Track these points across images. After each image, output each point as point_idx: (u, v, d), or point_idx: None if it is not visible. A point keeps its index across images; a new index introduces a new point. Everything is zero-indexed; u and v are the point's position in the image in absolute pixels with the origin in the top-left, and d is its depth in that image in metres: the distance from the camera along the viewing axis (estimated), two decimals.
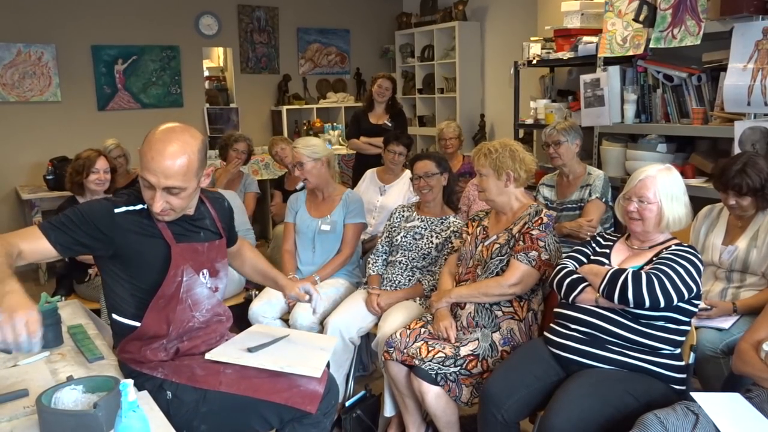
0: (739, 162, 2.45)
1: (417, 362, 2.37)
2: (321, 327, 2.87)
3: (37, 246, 1.68)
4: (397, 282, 2.96)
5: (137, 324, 1.82)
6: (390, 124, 4.74)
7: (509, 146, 2.55)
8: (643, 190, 2.14)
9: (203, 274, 1.92)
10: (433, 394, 2.33)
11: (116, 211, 1.78)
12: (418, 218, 3.04)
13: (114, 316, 1.88)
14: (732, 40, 3.09)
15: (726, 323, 2.36)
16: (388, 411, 2.71)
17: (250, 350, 1.94)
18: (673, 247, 2.11)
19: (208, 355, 1.88)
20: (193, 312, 1.91)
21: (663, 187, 2.12)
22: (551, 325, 2.25)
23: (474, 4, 6.15)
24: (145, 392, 1.69)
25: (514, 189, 2.56)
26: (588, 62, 4.02)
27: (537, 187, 3.57)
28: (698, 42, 3.27)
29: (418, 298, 2.90)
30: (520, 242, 2.44)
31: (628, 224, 2.22)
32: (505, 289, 2.41)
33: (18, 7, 5.39)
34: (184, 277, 1.85)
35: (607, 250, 2.26)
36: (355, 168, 5.01)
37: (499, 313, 2.46)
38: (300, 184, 4.04)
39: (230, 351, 1.93)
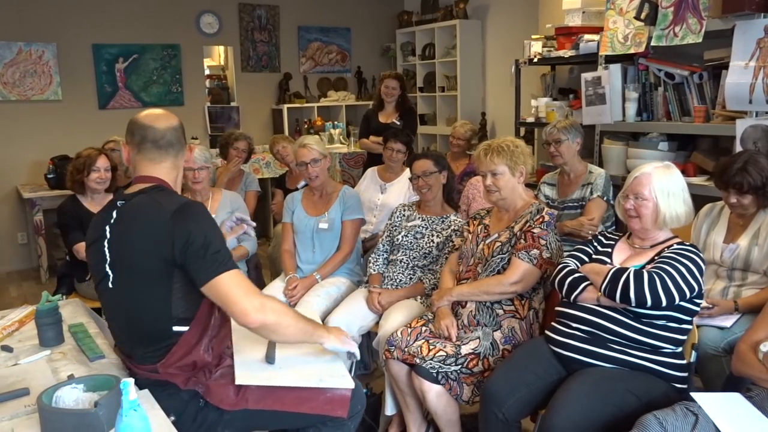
0: (740, 160, 2.45)
1: (418, 361, 2.37)
2: None
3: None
4: (398, 281, 2.96)
5: (186, 328, 1.77)
6: (399, 123, 4.72)
7: (515, 142, 2.55)
8: (639, 187, 2.14)
9: None
10: (434, 393, 2.33)
11: None
12: (419, 217, 3.04)
13: (175, 328, 1.78)
14: (734, 38, 3.08)
15: (728, 322, 2.35)
16: (389, 410, 2.71)
17: (269, 362, 1.93)
18: (675, 246, 2.11)
19: (238, 381, 1.84)
20: (219, 312, 1.90)
21: (658, 184, 2.12)
22: (552, 323, 2.24)
23: (475, 3, 6.14)
24: (146, 391, 1.69)
25: (520, 186, 2.56)
26: (589, 60, 4.02)
27: (538, 185, 3.57)
28: (700, 40, 3.26)
29: (419, 297, 2.90)
30: (522, 240, 2.44)
31: (626, 222, 2.22)
32: (506, 287, 2.41)
33: (19, 5, 5.39)
34: None
35: (609, 249, 2.26)
36: (365, 167, 5.00)
37: (500, 312, 2.46)
38: (301, 183, 4.03)
39: (255, 370, 1.89)
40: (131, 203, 1.80)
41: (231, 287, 1.69)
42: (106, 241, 1.80)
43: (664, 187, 2.12)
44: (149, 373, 1.78)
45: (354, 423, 1.97)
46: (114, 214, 1.81)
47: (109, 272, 1.80)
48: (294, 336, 1.83)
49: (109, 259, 1.79)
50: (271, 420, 1.87)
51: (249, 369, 1.89)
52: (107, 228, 1.80)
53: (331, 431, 1.90)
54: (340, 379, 1.88)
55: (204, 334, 1.81)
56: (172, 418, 1.73)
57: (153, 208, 1.75)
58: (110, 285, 1.81)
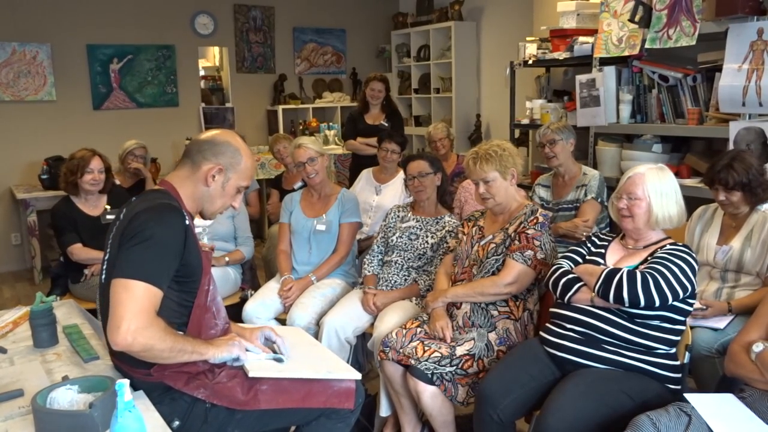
0: (726, 157, 2.49)
1: (413, 362, 2.37)
2: (318, 327, 2.88)
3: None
4: (393, 282, 2.96)
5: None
6: (386, 124, 4.73)
7: (501, 145, 2.55)
8: (632, 187, 2.16)
9: (212, 272, 1.91)
10: (428, 394, 2.33)
11: (186, 224, 1.73)
12: (414, 218, 3.04)
13: None
14: (727, 40, 3.10)
15: (721, 323, 2.37)
16: (384, 411, 2.71)
17: (278, 360, 1.93)
18: (668, 247, 2.12)
19: (251, 373, 1.81)
20: (216, 319, 1.88)
21: (651, 184, 2.14)
22: (547, 324, 2.25)
23: (470, 4, 6.15)
24: (141, 392, 1.69)
25: (513, 187, 2.56)
26: (584, 62, 4.03)
27: (533, 187, 3.58)
28: (693, 42, 3.28)
29: (414, 298, 2.91)
30: (516, 241, 2.44)
31: (619, 222, 2.24)
32: (500, 288, 2.41)
33: (13, 5, 5.37)
34: (210, 285, 1.84)
35: (603, 250, 2.27)
36: (351, 169, 5.00)
37: (495, 313, 2.47)
38: (298, 183, 4.03)
39: (266, 365, 1.88)
40: (132, 203, 1.81)
41: (122, 296, 1.57)
42: (111, 236, 1.79)
43: (657, 187, 2.14)
44: (145, 377, 1.73)
45: (355, 415, 2.02)
46: (124, 211, 1.81)
47: (104, 267, 1.79)
48: (168, 360, 1.67)
49: (109, 254, 1.77)
50: (281, 417, 1.88)
51: (262, 365, 1.89)
52: (116, 225, 1.80)
53: (335, 423, 1.94)
54: (346, 370, 1.98)
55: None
56: (177, 423, 1.72)
57: (133, 207, 1.75)
58: (102, 280, 1.78)
